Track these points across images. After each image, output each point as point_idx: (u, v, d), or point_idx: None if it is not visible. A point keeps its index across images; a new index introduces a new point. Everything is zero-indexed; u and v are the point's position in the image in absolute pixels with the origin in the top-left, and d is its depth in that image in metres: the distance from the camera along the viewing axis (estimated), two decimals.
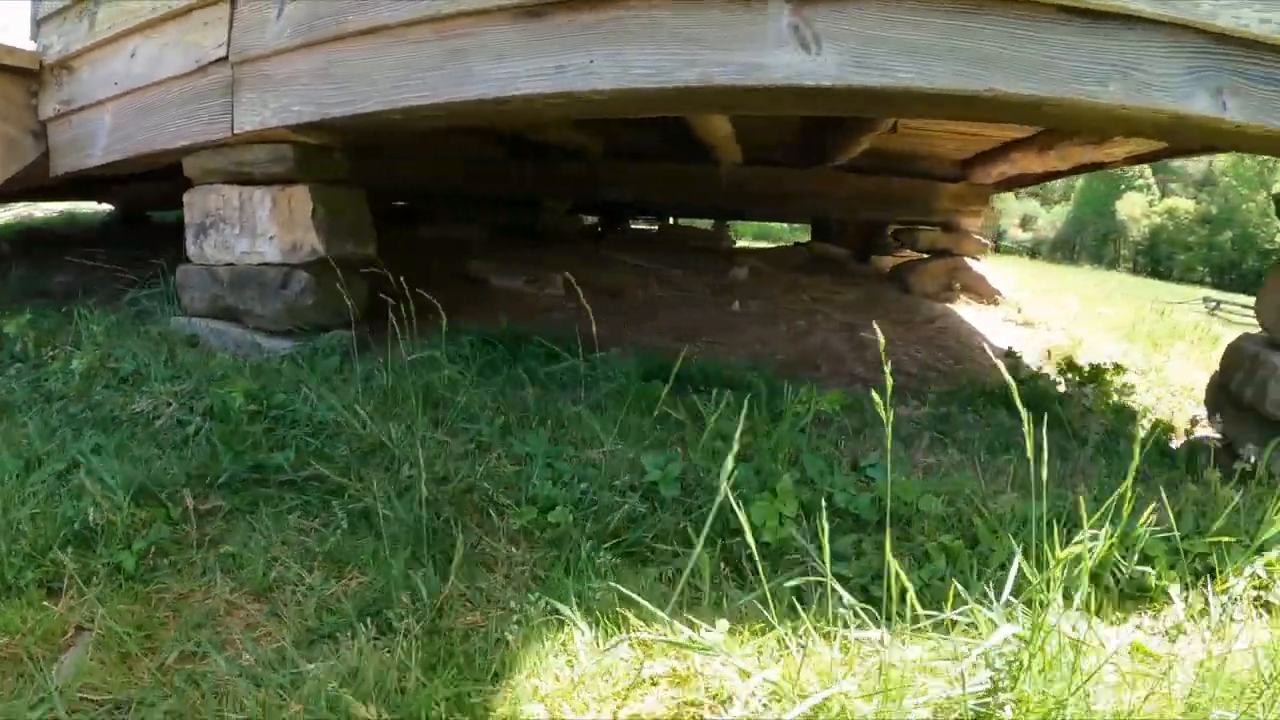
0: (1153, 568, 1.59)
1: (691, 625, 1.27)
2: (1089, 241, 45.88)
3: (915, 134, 4.67)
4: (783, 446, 1.91)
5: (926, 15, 1.85)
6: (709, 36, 1.94)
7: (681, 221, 8.76)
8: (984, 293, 5.24)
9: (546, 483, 1.75)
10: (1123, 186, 46.56)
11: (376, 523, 1.61)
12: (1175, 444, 2.59)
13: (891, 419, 1.18)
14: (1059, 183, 36.60)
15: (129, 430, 2.04)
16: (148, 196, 5.16)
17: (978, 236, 5.44)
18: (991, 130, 4.51)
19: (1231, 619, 1.52)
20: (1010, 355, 3.81)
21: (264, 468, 1.83)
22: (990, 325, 4.78)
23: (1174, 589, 1.56)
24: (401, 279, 2.27)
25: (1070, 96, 1.87)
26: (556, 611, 1.32)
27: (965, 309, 5.05)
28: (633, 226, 7.57)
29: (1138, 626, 1.49)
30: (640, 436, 2.02)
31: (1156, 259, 43.19)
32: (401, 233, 4.54)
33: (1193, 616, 1.53)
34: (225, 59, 2.42)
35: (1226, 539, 1.64)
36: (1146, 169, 46.23)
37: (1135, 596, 1.57)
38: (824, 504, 1.40)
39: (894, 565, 1.11)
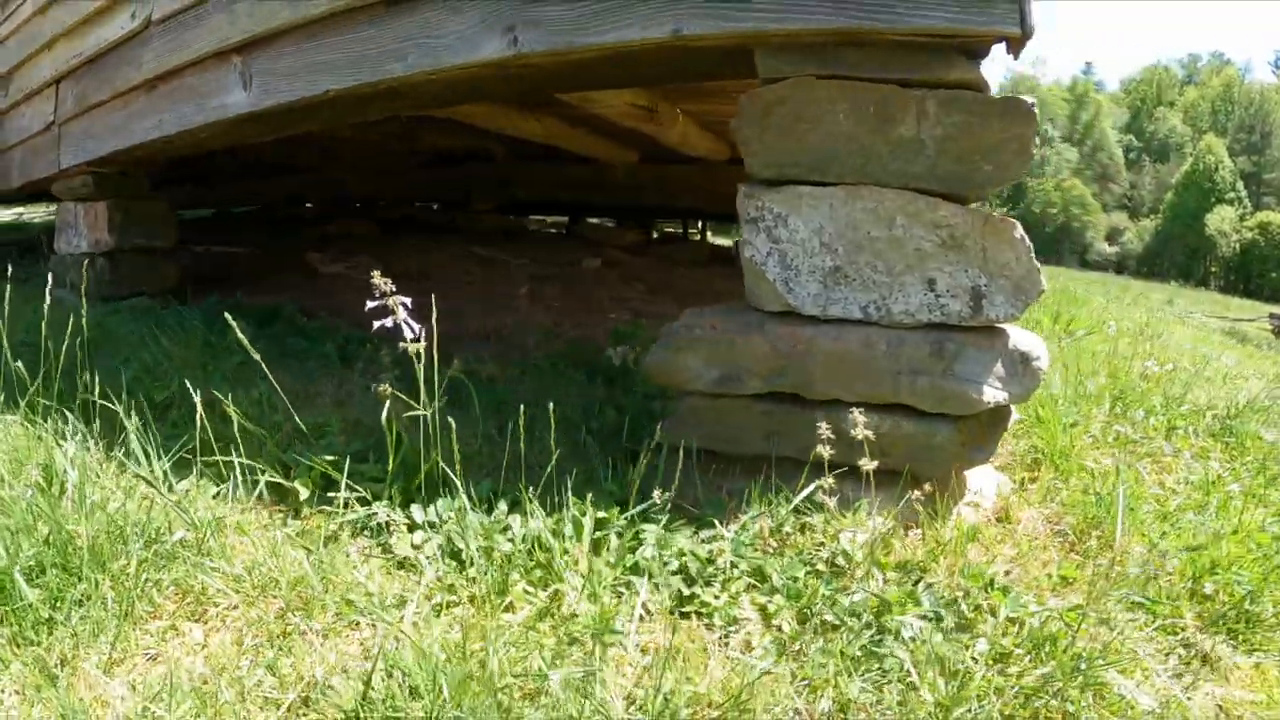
0: None
1: None
2: (1177, 257, 42.31)
3: None
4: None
5: (300, 44, 2.45)
6: (211, 89, 2.81)
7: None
8: None
9: None
10: (1213, 199, 41.74)
11: None
12: None
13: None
14: (1148, 195, 31.76)
15: None
16: None
17: None
18: None
19: None
20: None
21: None
22: None
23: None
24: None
25: (384, 78, 2.21)
26: None
27: None
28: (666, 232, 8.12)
29: None
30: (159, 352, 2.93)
31: (1248, 276, 39.01)
32: (299, 231, 5.76)
33: None
34: (54, 122, 3.70)
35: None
36: (1239, 182, 43.43)
37: None
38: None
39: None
